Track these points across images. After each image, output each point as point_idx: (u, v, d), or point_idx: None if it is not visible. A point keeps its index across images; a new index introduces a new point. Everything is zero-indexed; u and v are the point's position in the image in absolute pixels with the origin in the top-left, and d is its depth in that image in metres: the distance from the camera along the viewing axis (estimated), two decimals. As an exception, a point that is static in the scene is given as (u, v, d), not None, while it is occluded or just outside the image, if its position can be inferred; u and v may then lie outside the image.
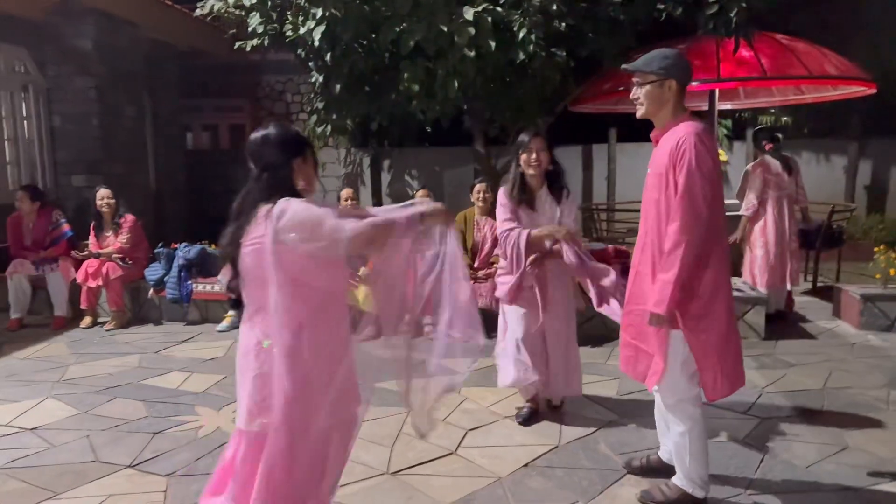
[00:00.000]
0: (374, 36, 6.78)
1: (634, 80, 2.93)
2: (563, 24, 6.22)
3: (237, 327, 6.05)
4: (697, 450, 2.93)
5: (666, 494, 3.00)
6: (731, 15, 6.00)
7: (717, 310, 2.83)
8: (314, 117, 8.32)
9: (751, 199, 6.23)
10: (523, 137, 3.78)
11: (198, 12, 8.11)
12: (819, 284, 7.65)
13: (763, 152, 6.33)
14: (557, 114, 8.16)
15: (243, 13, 7.46)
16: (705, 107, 8.16)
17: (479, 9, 6.12)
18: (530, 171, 3.75)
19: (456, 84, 6.56)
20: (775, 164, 6.24)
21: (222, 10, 7.64)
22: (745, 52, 7.09)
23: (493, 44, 6.16)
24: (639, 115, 2.97)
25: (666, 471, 3.16)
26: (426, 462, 3.46)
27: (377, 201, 11.40)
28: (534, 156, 3.72)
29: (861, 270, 7.50)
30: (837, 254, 7.88)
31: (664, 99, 2.87)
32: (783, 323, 6.20)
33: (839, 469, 3.34)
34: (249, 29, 7.35)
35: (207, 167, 12.10)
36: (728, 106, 9.56)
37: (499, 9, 6.18)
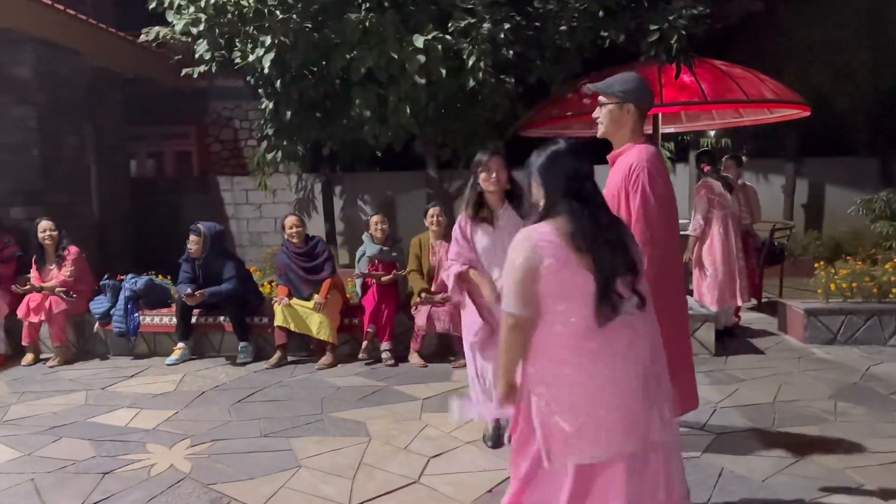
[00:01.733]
0: (324, 63, 6.80)
1: (599, 100, 3.02)
2: (511, 52, 6.34)
3: (188, 360, 5.96)
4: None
5: None
6: (672, 42, 6.22)
7: (678, 328, 2.91)
8: (264, 143, 8.25)
9: (697, 220, 6.41)
10: (481, 157, 3.75)
11: (142, 38, 8.00)
12: (763, 300, 7.88)
13: (703, 174, 6.53)
14: (507, 138, 8.28)
15: (190, 40, 7.38)
16: (650, 130, 8.39)
17: (429, 37, 6.20)
18: (490, 189, 3.72)
19: (408, 110, 6.61)
20: (717, 185, 6.44)
21: (168, 37, 7.56)
22: (686, 78, 7.34)
23: (443, 71, 6.24)
24: (598, 134, 3.07)
25: None
26: (389, 492, 3.41)
27: (330, 227, 11.31)
28: (493, 175, 3.68)
29: (802, 286, 7.77)
30: (780, 270, 8.15)
31: (623, 121, 2.96)
32: (732, 339, 6.36)
33: (794, 481, 3.42)
34: (196, 56, 7.28)
35: (153, 195, 11.85)
36: (671, 129, 9.86)
37: (448, 37, 6.27)
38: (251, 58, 6.49)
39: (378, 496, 3.37)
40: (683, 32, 6.18)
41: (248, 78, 7.23)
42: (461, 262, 3.78)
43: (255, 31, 6.57)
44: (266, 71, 6.45)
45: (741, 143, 10.74)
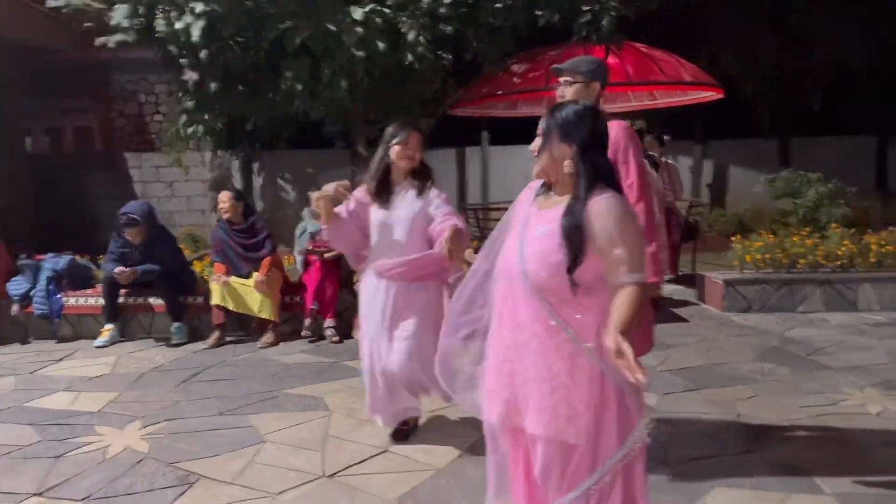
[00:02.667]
0: (255, 33, 6.59)
1: (562, 79, 3.10)
2: (449, 28, 6.37)
3: (117, 342, 5.70)
4: None
5: None
6: (603, 23, 6.42)
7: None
8: (183, 117, 7.92)
9: None
10: (398, 129, 3.51)
11: (51, 4, 7.47)
12: (679, 273, 8.32)
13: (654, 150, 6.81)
14: (438, 116, 8.32)
15: (105, 6, 6.98)
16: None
17: (367, 9, 6.13)
18: (403, 165, 3.50)
19: (343, 84, 6.52)
20: (644, 163, 6.73)
21: (81, 3, 7.11)
22: (610, 60, 7.59)
23: (381, 45, 6.20)
24: None
25: None
26: (361, 462, 3.43)
27: (244, 207, 10.98)
28: (410, 151, 3.49)
29: (710, 260, 8.27)
30: (693, 245, 8.63)
31: (588, 99, 3.06)
32: (657, 309, 6.69)
33: (739, 435, 3.69)
34: (113, 23, 6.89)
35: (53, 174, 11.13)
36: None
37: (386, 10, 6.22)
38: (178, 25, 6.21)
39: (352, 465, 3.39)
40: (613, 14, 6.38)
41: (170, 47, 6.91)
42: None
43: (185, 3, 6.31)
44: (195, 40, 6.18)
45: (654, 125, 11.22)
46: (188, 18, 6.12)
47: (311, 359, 5.26)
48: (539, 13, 6.54)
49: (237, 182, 11.51)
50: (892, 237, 6.87)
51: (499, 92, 7.84)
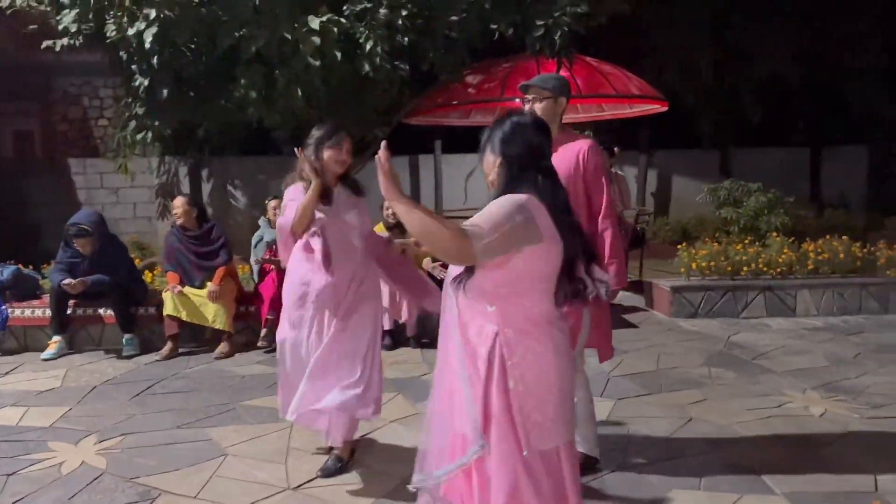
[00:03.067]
0: (209, 40, 6.52)
1: (529, 96, 3.21)
2: (406, 39, 6.42)
3: (65, 354, 5.54)
4: (589, 413, 3.38)
5: None
6: (556, 38, 6.57)
7: None
8: (132, 123, 7.75)
9: None
10: (331, 131, 3.38)
11: (-6, 5, 7.23)
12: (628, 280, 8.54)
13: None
14: (393, 125, 8.36)
15: (50, 9, 6.80)
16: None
17: (324, 18, 6.13)
18: (336, 169, 3.36)
19: (300, 92, 6.50)
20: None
21: (24, 5, 6.91)
22: (562, 73, 7.77)
23: (338, 54, 6.20)
24: None
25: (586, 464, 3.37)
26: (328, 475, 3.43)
27: (199, 213, 10.79)
28: (343, 155, 3.37)
29: (656, 266, 8.52)
30: (640, 253, 8.87)
31: (556, 113, 3.20)
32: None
33: (693, 437, 3.83)
34: (60, 27, 6.71)
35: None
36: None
37: (343, 20, 6.23)
38: (130, 31, 6.09)
39: (317, 477, 3.38)
40: (566, 29, 6.54)
41: (121, 52, 6.77)
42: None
43: (132, 5, 6.19)
44: (147, 46, 6.08)
45: (601, 136, 11.50)
46: (140, 24, 6.01)
47: (268, 370, 5.22)
48: (494, 26, 6.65)
49: (185, 188, 11.30)
50: (828, 245, 7.21)
51: (454, 102, 7.94)
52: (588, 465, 3.33)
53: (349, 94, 7.29)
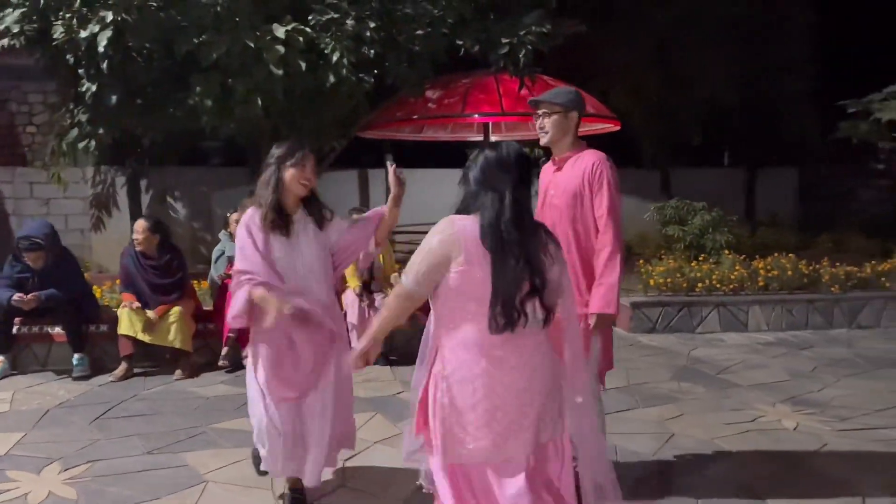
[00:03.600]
0: (165, 46, 6.27)
1: (540, 111, 3.18)
2: (372, 52, 6.33)
3: (8, 375, 5.15)
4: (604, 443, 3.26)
5: None
6: (520, 56, 6.61)
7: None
8: (74, 131, 7.36)
9: None
10: (291, 150, 3.03)
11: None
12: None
13: None
14: (350, 138, 8.23)
15: (-9, 7, 6.40)
16: (479, 137, 8.85)
17: (290, 27, 5.99)
18: (299, 191, 3.02)
19: (259, 102, 6.32)
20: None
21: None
22: (523, 91, 7.84)
23: (303, 64, 6.06)
24: (543, 142, 3.23)
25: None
26: (317, 499, 3.29)
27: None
28: (307, 174, 3.02)
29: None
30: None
31: (567, 128, 3.17)
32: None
33: (677, 453, 3.86)
34: (1, 27, 6.31)
35: None
36: (494, 138, 10.44)
37: (308, 30, 6.10)
38: (83, 34, 5.78)
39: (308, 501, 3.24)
40: (530, 48, 6.59)
41: (67, 56, 6.41)
42: (254, 281, 2.96)
43: (83, 8, 5.89)
44: (101, 50, 5.78)
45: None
46: (94, 27, 5.71)
47: (233, 391, 4.99)
48: (459, 42, 6.64)
49: (122, 199, 10.81)
50: (777, 263, 7.49)
51: (414, 116, 7.89)
52: None
53: (308, 105, 7.13)
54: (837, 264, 7.68)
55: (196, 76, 6.42)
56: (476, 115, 7.98)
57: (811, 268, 7.52)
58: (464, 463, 2.24)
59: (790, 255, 7.76)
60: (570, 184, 3.16)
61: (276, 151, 3.07)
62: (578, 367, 2.38)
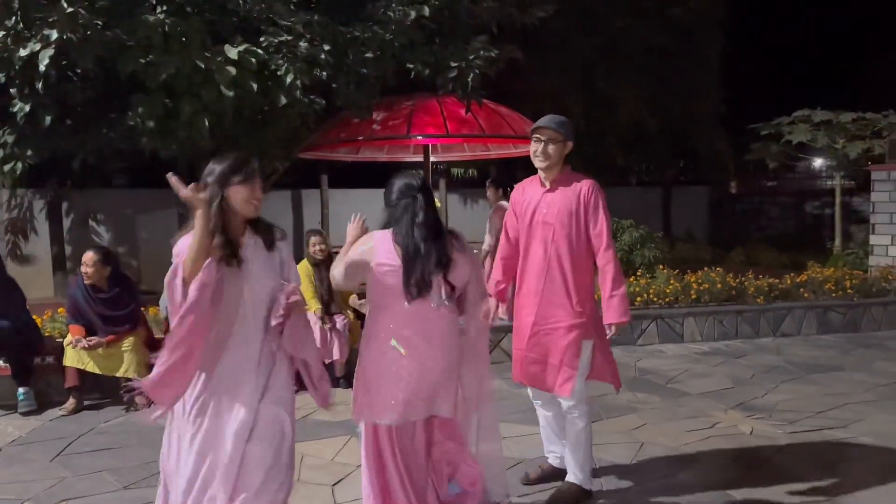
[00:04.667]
0: (105, 66, 6.08)
1: (544, 137, 3.34)
2: (325, 74, 6.35)
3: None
4: (589, 445, 3.50)
5: (571, 492, 3.45)
6: (468, 79, 6.80)
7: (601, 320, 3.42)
8: (-1, 153, 6.98)
9: (489, 239, 7.04)
10: (237, 166, 2.59)
11: None
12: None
13: (503, 198, 7.20)
14: (292, 159, 8.17)
15: None
16: (415, 158, 8.97)
17: (241, 48, 5.93)
18: (249, 213, 2.60)
19: (206, 123, 6.21)
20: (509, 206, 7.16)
21: None
22: (463, 113, 8.04)
23: (255, 85, 6.02)
24: (542, 166, 3.42)
25: (559, 475, 3.59)
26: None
27: (58, 250, 9.82)
28: (257, 194, 2.62)
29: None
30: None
31: (563, 155, 3.35)
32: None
33: (651, 463, 4.05)
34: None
35: None
36: (433, 159, 10.59)
37: (260, 51, 6.05)
38: (23, 52, 5.52)
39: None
40: (477, 72, 6.79)
41: (0, 75, 6.11)
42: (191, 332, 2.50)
43: (18, 25, 5.65)
44: (42, 69, 5.55)
45: (484, 174, 11.94)
46: (35, 45, 5.47)
47: (197, 419, 4.85)
48: (410, 65, 6.75)
49: (40, 224, 10.25)
50: (707, 277, 7.94)
51: (360, 137, 7.91)
52: (583, 498, 3.44)
53: (252, 126, 7.06)
54: (760, 277, 8.22)
55: (137, 97, 6.25)
56: (420, 137, 8.09)
57: (737, 281, 8.01)
58: (376, 423, 2.90)
59: (718, 268, 8.24)
60: (565, 204, 3.34)
61: (216, 167, 2.58)
62: (481, 350, 3.10)
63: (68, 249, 10.21)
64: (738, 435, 4.50)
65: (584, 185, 3.37)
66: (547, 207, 3.42)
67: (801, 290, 8.20)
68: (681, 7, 11.94)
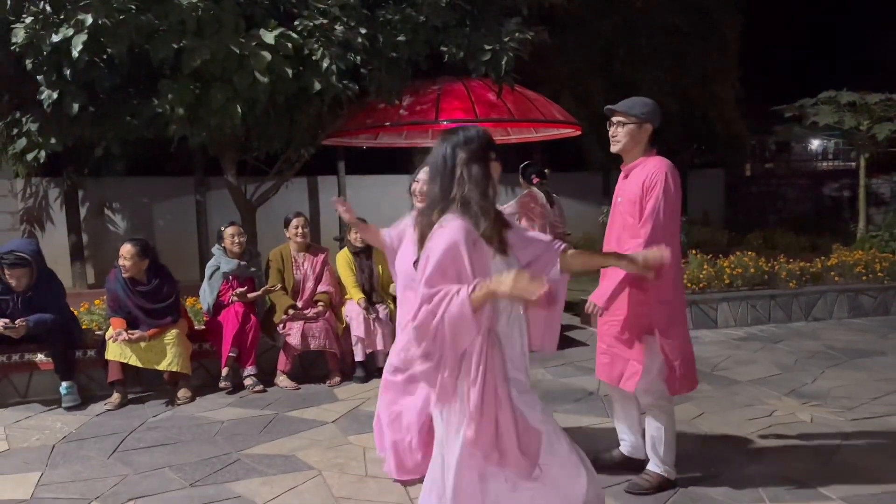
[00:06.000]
0: (138, 51, 5.92)
1: (615, 119, 3.22)
2: (359, 59, 6.20)
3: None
4: (671, 439, 3.40)
5: (650, 482, 3.39)
6: (502, 62, 6.66)
7: (680, 318, 3.28)
8: (21, 141, 6.83)
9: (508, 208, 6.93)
10: (488, 140, 2.40)
11: None
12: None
13: (530, 185, 7.10)
14: (318, 145, 8.03)
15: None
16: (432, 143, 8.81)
17: (277, 33, 5.78)
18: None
19: (239, 110, 6.07)
20: (541, 196, 7.06)
21: None
22: (491, 97, 7.89)
23: (290, 71, 5.87)
24: (614, 149, 3.31)
25: (629, 465, 3.55)
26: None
27: (76, 240, 9.69)
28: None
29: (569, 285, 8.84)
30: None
31: (639, 138, 3.23)
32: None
33: (721, 452, 3.99)
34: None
35: None
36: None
37: (295, 35, 5.90)
38: (55, 38, 5.36)
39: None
40: (511, 55, 6.64)
41: (28, 61, 5.94)
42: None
43: (48, 10, 5.49)
44: (76, 55, 5.39)
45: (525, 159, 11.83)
46: (68, 31, 5.31)
47: (245, 413, 4.77)
48: (444, 48, 6.60)
49: (56, 212, 10.11)
50: (740, 261, 7.86)
51: (387, 123, 7.76)
52: (667, 486, 3.39)
53: (282, 113, 6.92)
54: (791, 261, 8.15)
55: (165, 83, 6.10)
56: (447, 123, 7.93)
57: (770, 265, 7.94)
58: None
59: (750, 252, 8.17)
60: (632, 192, 3.25)
61: (463, 141, 2.34)
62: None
63: (85, 238, 10.09)
64: (799, 423, 4.43)
65: (651, 169, 3.21)
66: (622, 196, 3.33)
67: (832, 273, 8.13)
68: (700, -12, 11.79)
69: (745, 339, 6.93)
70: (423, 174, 3.31)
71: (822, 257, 8.48)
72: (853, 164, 15.33)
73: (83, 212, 10.19)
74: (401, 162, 12.39)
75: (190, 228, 10.48)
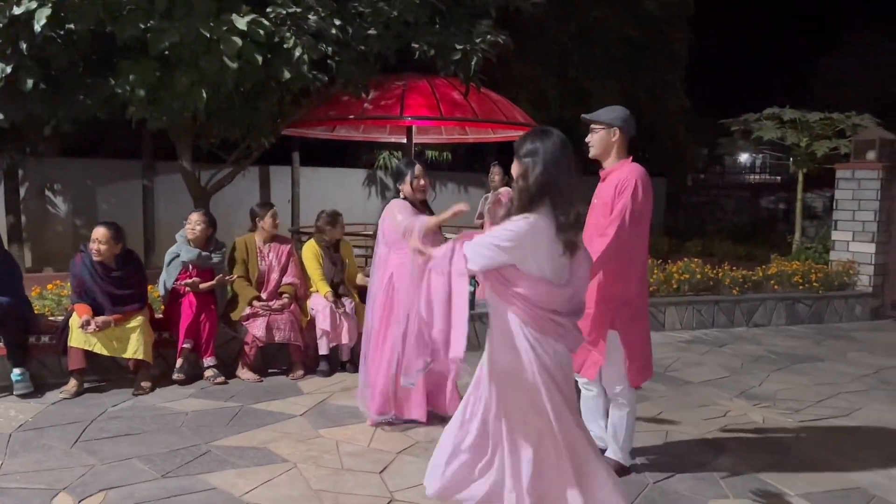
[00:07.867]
0: (92, 29, 5.73)
1: (591, 126, 3.40)
2: (329, 49, 6.16)
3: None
4: (631, 426, 3.61)
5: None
6: (472, 63, 6.73)
7: (642, 314, 3.47)
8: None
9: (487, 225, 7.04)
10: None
11: None
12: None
13: (508, 184, 7.21)
14: (277, 134, 7.92)
15: None
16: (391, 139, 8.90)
17: (249, 19, 5.69)
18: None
19: (204, 94, 5.95)
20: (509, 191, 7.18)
21: None
22: (455, 96, 7.97)
23: (260, 58, 5.79)
24: (591, 155, 3.48)
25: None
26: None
27: (15, 221, 9.27)
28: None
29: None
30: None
31: (610, 144, 3.40)
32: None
33: (683, 448, 4.16)
34: None
35: None
36: (403, 140, 10.48)
37: (267, 22, 5.82)
38: (17, 10, 5.14)
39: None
40: (480, 56, 6.72)
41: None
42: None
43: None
44: (38, 30, 5.18)
45: (454, 157, 11.90)
46: (31, 3, 5.09)
47: (208, 405, 4.68)
48: (415, 45, 6.62)
49: (-6, 193, 9.64)
50: (688, 267, 8.16)
51: (350, 116, 7.74)
52: (622, 473, 3.55)
53: (246, 100, 6.81)
54: (734, 268, 8.51)
55: (126, 63, 5.93)
56: (411, 119, 7.97)
57: (714, 272, 8.27)
58: None
59: (697, 259, 8.48)
60: (606, 194, 3.40)
61: (542, 147, 2.57)
62: None
63: (24, 220, 9.66)
64: (752, 423, 4.66)
65: (625, 174, 3.37)
66: (597, 198, 3.47)
67: (772, 282, 8.53)
68: (654, 1, 12.13)
69: (691, 342, 7.20)
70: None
71: (763, 266, 8.87)
72: (779, 178, 16.11)
73: (22, 192, 9.75)
74: (354, 155, 12.34)
75: (136, 214, 10.18)
